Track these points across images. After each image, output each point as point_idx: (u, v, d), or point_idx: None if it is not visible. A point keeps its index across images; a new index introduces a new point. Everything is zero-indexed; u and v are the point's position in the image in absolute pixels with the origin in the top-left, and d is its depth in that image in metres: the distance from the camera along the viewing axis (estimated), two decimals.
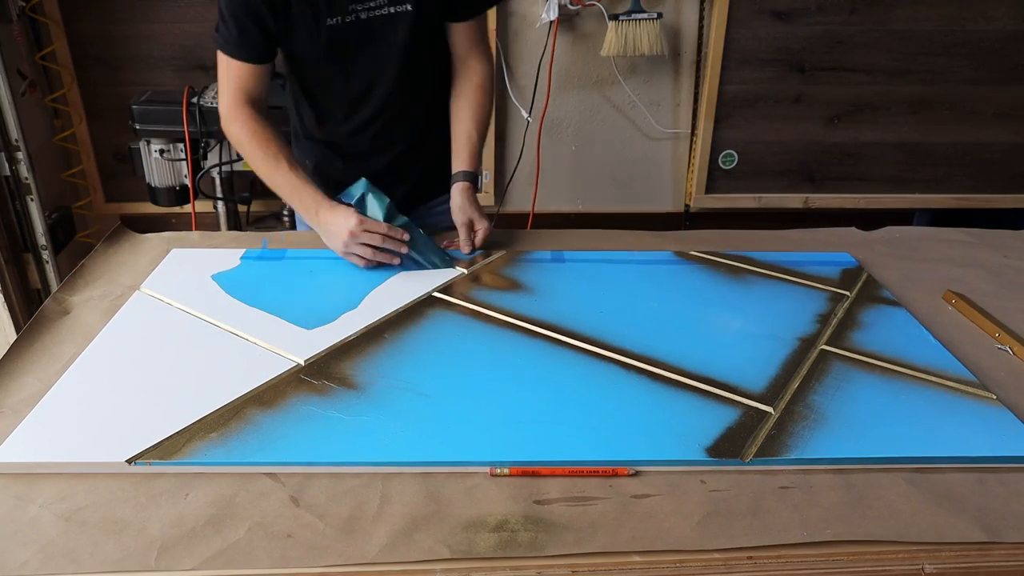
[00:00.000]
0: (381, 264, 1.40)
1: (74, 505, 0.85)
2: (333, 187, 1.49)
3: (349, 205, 1.41)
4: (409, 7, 1.42)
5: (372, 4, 1.41)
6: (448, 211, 1.55)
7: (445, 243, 1.51)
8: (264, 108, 1.51)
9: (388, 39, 1.46)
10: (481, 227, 1.50)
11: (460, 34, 1.53)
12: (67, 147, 2.67)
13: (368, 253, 1.38)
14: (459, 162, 1.54)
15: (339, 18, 1.41)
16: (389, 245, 1.39)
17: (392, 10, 1.42)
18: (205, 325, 1.20)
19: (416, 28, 1.45)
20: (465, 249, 1.49)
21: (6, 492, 0.87)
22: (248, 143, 1.47)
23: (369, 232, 1.37)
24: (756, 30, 2.72)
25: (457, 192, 1.51)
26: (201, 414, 0.98)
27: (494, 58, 2.67)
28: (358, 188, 1.43)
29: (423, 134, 1.62)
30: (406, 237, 1.40)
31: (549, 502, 0.87)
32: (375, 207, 1.41)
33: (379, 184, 1.45)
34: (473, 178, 1.52)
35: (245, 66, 1.45)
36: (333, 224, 1.39)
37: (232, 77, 1.47)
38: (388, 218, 1.41)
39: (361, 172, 1.48)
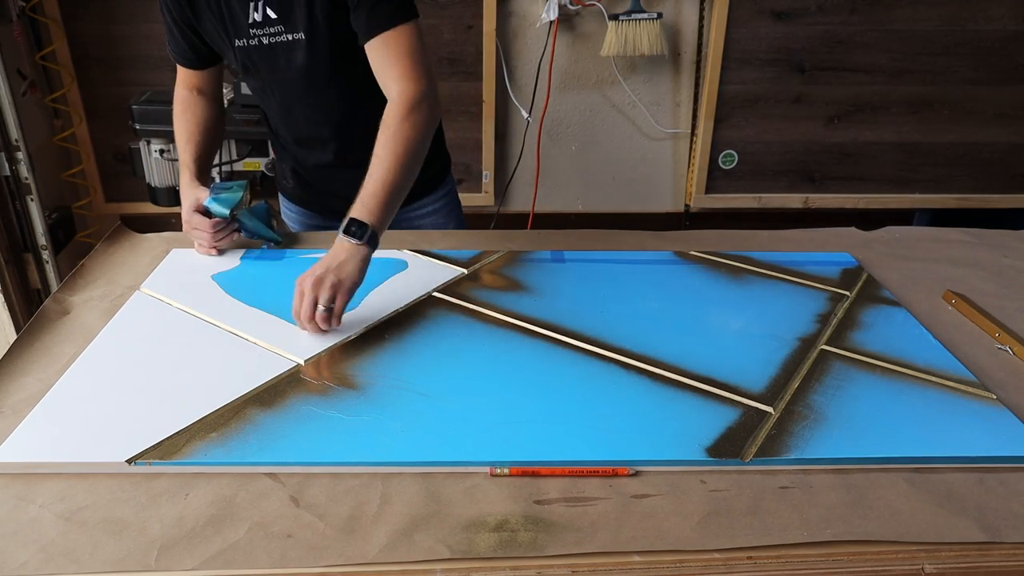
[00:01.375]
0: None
1: (74, 505, 0.85)
2: (305, 189, 1.67)
3: (189, 196, 1.46)
4: (302, 35, 1.39)
5: (271, 31, 1.41)
6: (431, 214, 1.69)
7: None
8: (213, 94, 1.63)
9: (291, 64, 1.44)
10: (306, 304, 1.16)
11: (371, 58, 1.37)
12: (67, 147, 2.67)
13: (197, 243, 1.46)
14: (353, 207, 1.26)
15: (244, 41, 1.44)
16: (210, 242, 1.44)
17: (288, 37, 1.41)
18: (205, 325, 1.20)
19: (313, 54, 1.41)
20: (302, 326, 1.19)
21: (6, 492, 0.87)
22: (175, 118, 1.62)
23: (197, 230, 1.44)
24: (756, 30, 2.72)
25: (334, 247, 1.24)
26: (201, 414, 0.98)
27: (498, 56, 2.68)
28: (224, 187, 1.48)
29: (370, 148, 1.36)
30: (224, 244, 1.46)
31: (549, 502, 0.87)
32: (219, 205, 1.44)
33: (340, 189, 1.35)
34: (344, 226, 1.22)
35: (181, 67, 1.59)
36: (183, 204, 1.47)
37: (179, 71, 1.62)
38: (233, 209, 1.44)
39: (322, 179, 1.61)
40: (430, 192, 1.70)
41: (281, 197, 1.81)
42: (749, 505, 0.87)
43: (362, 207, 1.23)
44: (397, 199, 1.28)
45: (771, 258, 1.49)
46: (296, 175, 1.69)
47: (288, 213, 1.80)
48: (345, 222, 1.21)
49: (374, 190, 1.25)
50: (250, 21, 1.40)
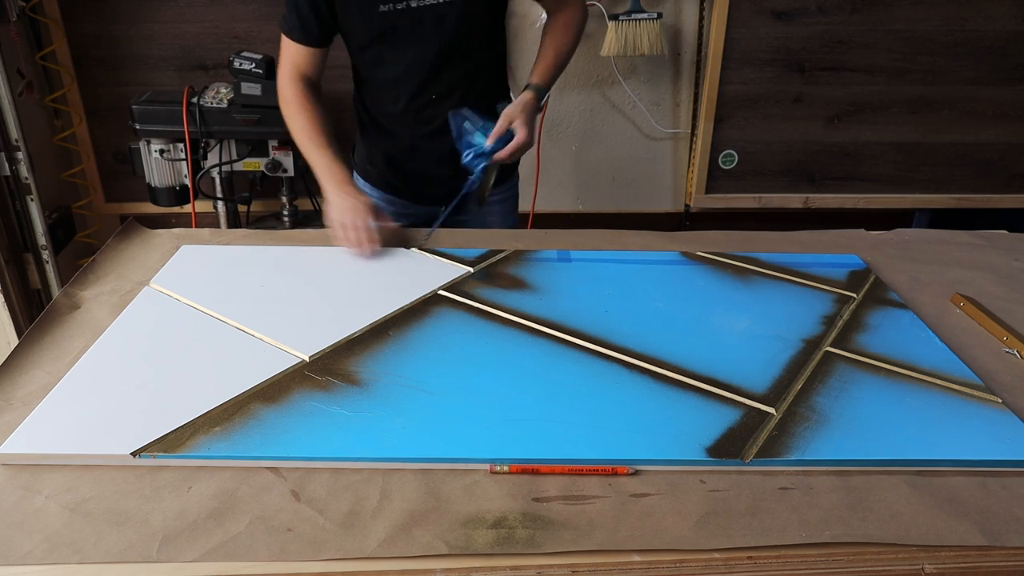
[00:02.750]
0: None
1: (79, 496, 0.86)
2: (398, 174, 1.72)
3: (359, 196, 1.47)
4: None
5: None
6: (502, 202, 1.78)
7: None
8: (317, 87, 1.63)
9: (437, 28, 1.51)
10: (519, 135, 1.49)
11: None
12: (67, 147, 2.68)
13: (352, 243, 1.45)
14: (531, 76, 1.61)
15: (392, 5, 1.48)
16: (364, 250, 1.45)
17: (441, 0, 1.49)
18: (212, 321, 1.21)
19: (464, 19, 1.51)
20: (488, 143, 1.49)
21: (13, 483, 0.88)
22: (291, 114, 1.59)
23: (352, 234, 1.44)
24: (756, 30, 2.72)
25: (518, 99, 1.54)
26: (206, 408, 0.99)
27: None
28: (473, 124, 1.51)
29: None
30: (375, 248, 1.46)
31: (548, 500, 0.87)
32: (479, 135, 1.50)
33: (437, 171, 1.58)
34: (538, 91, 1.57)
35: (299, 47, 1.58)
36: (333, 209, 1.47)
37: (288, 56, 1.59)
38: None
39: (423, 159, 1.64)
40: (506, 180, 1.81)
41: (361, 183, 1.83)
42: (748, 505, 0.87)
43: (541, 77, 1.60)
44: (556, 79, 1.65)
45: (778, 259, 1.49)
46: (388, 158, 1.73)
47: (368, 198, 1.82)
48: (544, 97, 1.56)
49: (550, 66, 1.61)
50: None
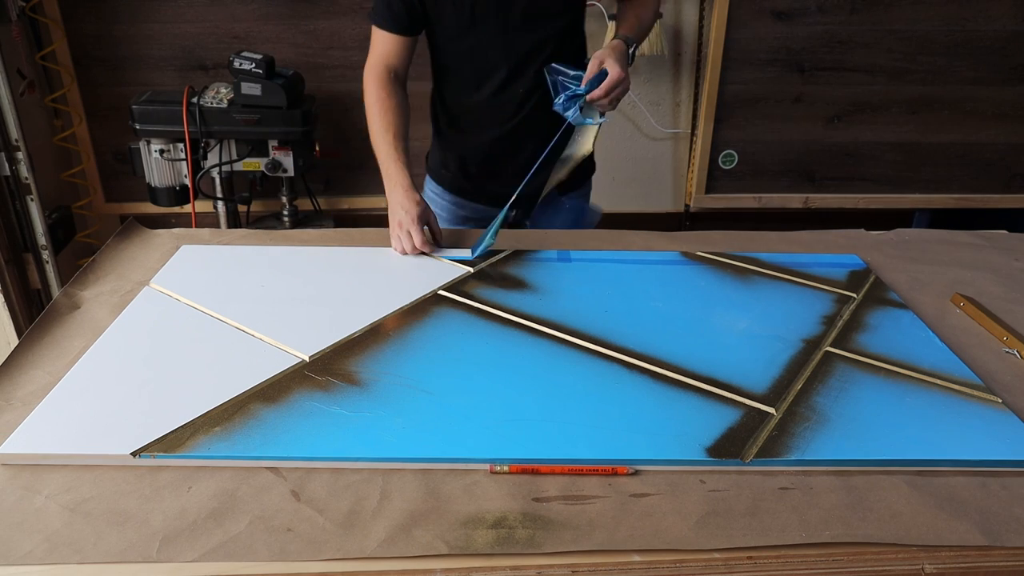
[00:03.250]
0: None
1: (79, 496, 0.86)
2: (471, 177, 1.75)
3: (414, 202, 1.50)
4: None
5: None
6: (580, 197, 1.86)
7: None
8: (402, 81, 1.67)
9: (526, 14, 1.54)
10: (612, 71, 1.44)
11: None
12: (67, 147, 2.68)
13: (405, 246, 1.48)
14: (621, 30, 1.62)
15: None
16: (411, 251, 1.48)
17: None
18: (212, 320, 1.21)
19: (554, 4, 1.55)
20: (582, 85, 1.47)
21: (14, 483, 0.88)
22: (371, 106, 1.62)
23: (414, 231, 1.47)
24: (756, 30, 2.72)
25: (614, 48, 1.51)
26: (206, 408, 0.99)
27: None
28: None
29: (540, 113, 1.62)
30: (423, 250, 1.48)
31: (548, 500, 0.87)
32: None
33: (511, 170, 1.60)
34: (626, 40, 1.56)
35: (388, 36, 1.59)
36: (393, 210, 1.52)
37: (377, 48, 1.62)
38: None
39: (499, 159, 1.68)
40: (576, 188, 1.85)
41: (433, 187, 1.85)
42: (748, 505, 0.87)
43: (629, 31, 1.60)
44: (641, 40, 1.66)
45: (778, 259, 1.49)
46: (463, 160, 1.75)
47: (439, 201, 1.84)
48: (634, 47, 1.57)
49: (636, 26, 1.63)
50: None
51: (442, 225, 1.78)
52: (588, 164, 1.86)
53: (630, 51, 1.55)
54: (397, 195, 1.52)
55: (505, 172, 1.69)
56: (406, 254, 1.48)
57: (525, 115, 1.65)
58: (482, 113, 1.67)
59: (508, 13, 1.53)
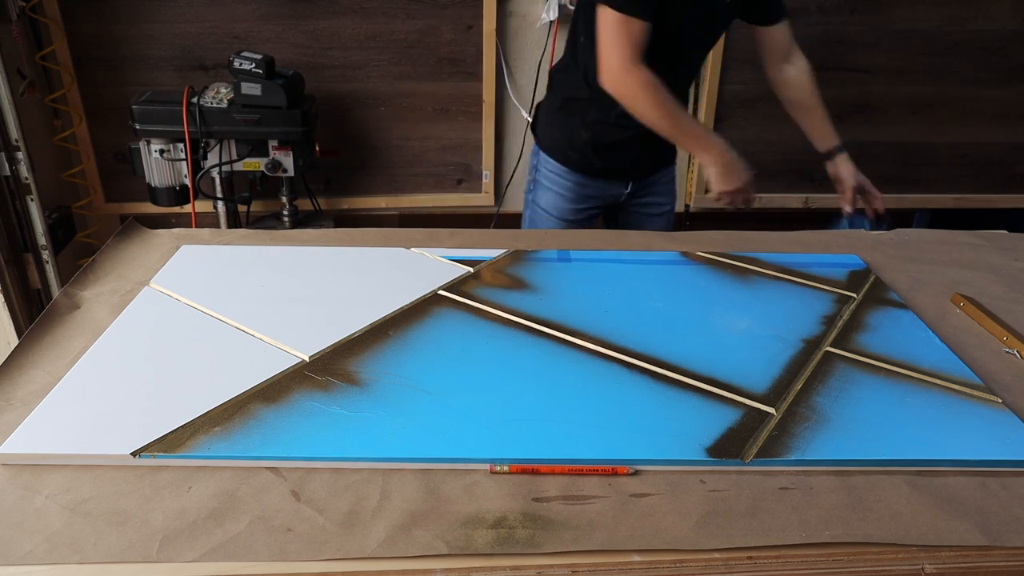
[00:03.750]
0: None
1: (79, 496, 0.86)
2: (600, 154, 1.85)
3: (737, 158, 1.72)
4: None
5: None
6: (668, 185, 2.00)
7: (845, 213, 1.78)
8: None
9: (712, 23, 1.73)
10: (877, 195, 1.82)
11: (779, 33, 1.85)
12: (67, 147, 2.68)
13: (737, 203, 1.75)
14: (833, 138, 1.88)
15: None
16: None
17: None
18: (212, 320, 1.21)
19: (727, 17, 1.74)
20: (848, 209, 1.84)
21: (13, 483, 0.88)
22: (649, 99, 1.63)
23: (743, 194, 1.73)
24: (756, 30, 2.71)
25: (844, 161, 1.87)
26: (206, 408, 0.99)
27: (498, 56, 2.69)
28: None
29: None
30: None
31: (548, 500, 0.87)
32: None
33: (639, 145, 1.79)
34: (843, 148, 1.88)
35: (637, 23, 1.57)
36: (728, 172, 1.73)
37: (624, 35, 1.57)
38: None
39: (641, 140, 1.76)
40: (671, 163, 2.01)
41: (555, 167, 1.91)
42: (748, 506, 0.87)
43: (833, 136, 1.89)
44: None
45: (778, 259, 1.49)
46: (592, 142, 1.84)
47: (561, 181, 1.92)
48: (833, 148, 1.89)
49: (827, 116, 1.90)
50: None
51: (564, 204, 1.95)
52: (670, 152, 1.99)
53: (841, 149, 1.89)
54: (726, 157, 1.72)
55: (634, 147, 1.83)
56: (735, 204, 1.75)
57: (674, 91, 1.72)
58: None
59: (713, 11, 1.69)
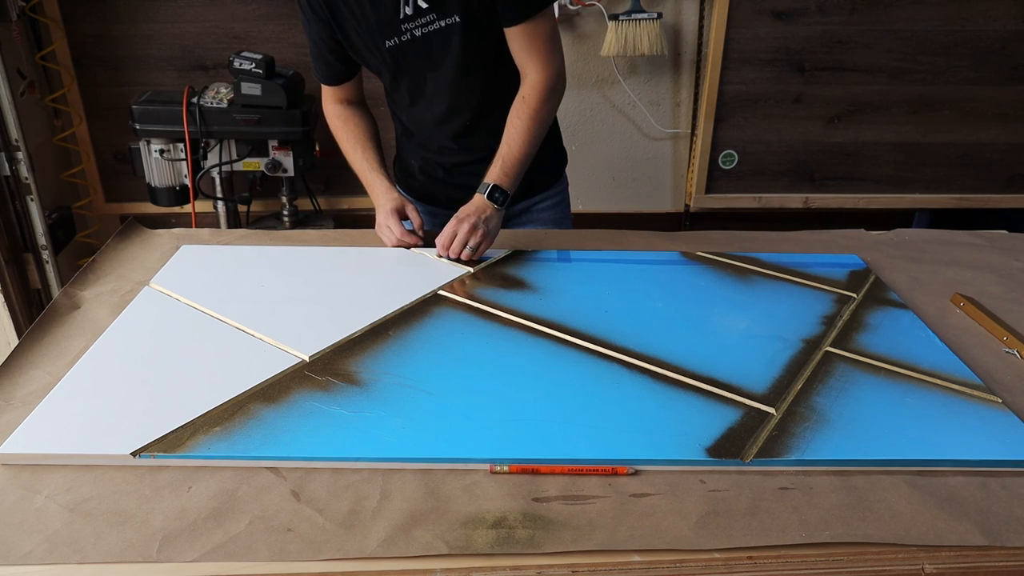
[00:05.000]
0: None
1: (79, 496, 0.86)
2: (440, 182, 1.72)
3: (391, 199, 1.55)
4: (457, 18, 1.44)
5: (423, 21, 1.46)
6: (550, 208, 1.77)
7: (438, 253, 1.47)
8: (361, 101, 1.71)
9: (446, 52, 1.49)
10: (459, 239, 1.43)
11: (512, 40, 1.49)
12: (67, 147, 2.68)
13: (387, 242, 1.53)
14: (488, 173, 1.51)
15: (396, 39, 1.48)
16: (405, 242, 1.52)
17: (442, 24, 1.45)
18: (212, 320, 1.21)
19: (468, 37, 1.46)
20: (439, 253, 1.46)
21: (14, 483, 0.88)
22: (336, 134, 1.67)
23: (386, 230, 1.52)
24: (756, 30, 2.72)
25: (471, 201, 1.49)
26: (206, 408, 0.99)
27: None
28: None
29: (497, 126, 1.58)
30: (414, 241, 1.52)
31: (548, 500, 0.87)
32: None
33: (472, 185, 1.52)
34: (488, 190, 1.47)
35: (335, 87, 1.66)
36: (376, 209, 1.57)
37: (328, 92, 1.68)
38: None
39: (456, 175, 1.67)
40: (551, 185, 1.79)
41: (406, 196, 1.81)
42: (748, 506, 0.87)
43: (503, 176, 1.49)
44: (524, 171, 1.52)
45: (778, 259, 1.49)
46: (424, 171, 1.75)
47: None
48: (488, 188, 1.47)
49: (512, 162, 1.49)
50: (401, 16, 1.45)
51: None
52: (556, 158, 1.80)
53: (498, 203, 1.48)
54: (376, 195, 1.59)
55: (464, 182, 1.63)
56: (398, 247, 1.51)
57: (485, 144, 1.59)
58: (435, 131, 1.65)
59: (426, 54, 1.49)
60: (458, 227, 1.43)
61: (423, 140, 1.68)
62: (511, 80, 1.54)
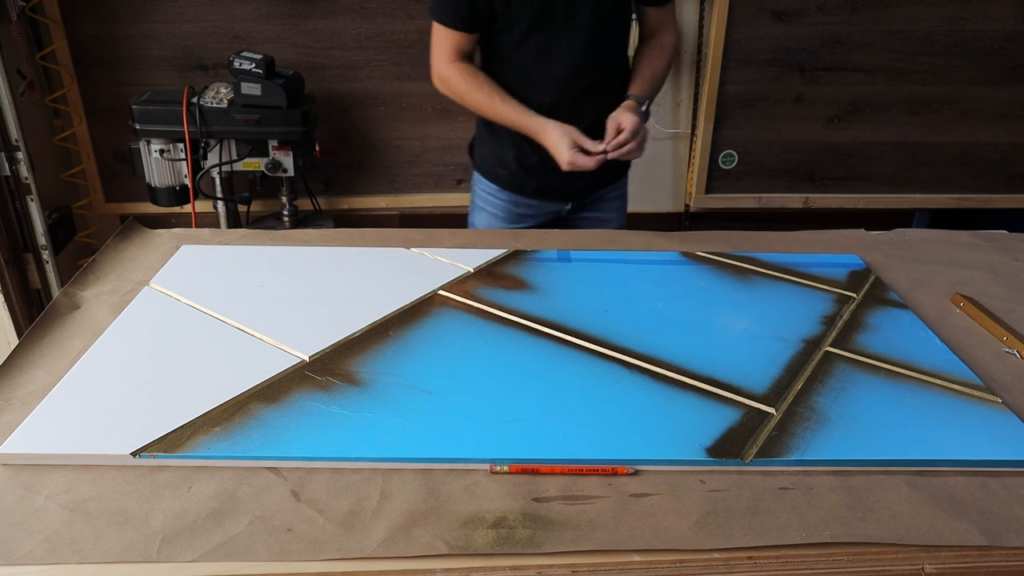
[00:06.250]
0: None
1: (79, 496, 0.86)
2: (531, 173, 1.76)
3: (566, 126, 1.57)
4: None
5: None
6: (615, 200, 1.88)
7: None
8: (475, 63, 1.69)
9: (585, 7, 1.58)
10: (628, 123, 1.54)
11: (652, 16, 1.72)
12: (67, 147, 2.68)
13: (583, 164, 1.55)
14: (632, 88, 1.68)
15: None
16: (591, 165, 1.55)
17: None
18: (212, 320, 1.21)
19: (610, 3, 1.60)
20: (598, 147, 1.55)
21: (13, 483, 0.88)
22: (466, 91, 1.64)
23: (584, 157, 1.54)
24: (756, 30, 2.72)
25: (622, 105, 1.61)
26: (206, 408, 0.99)
27: None
28: None
29: (605, 113, 1.67)
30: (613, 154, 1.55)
31: (548, 500, 0.87)
32: None
33: (562, 177, 1.62)
34: (639, 99, 1.63)
35: (450, 33, 1.61)
36: (554, 146, 1.57)
37: (441, 40, 1.63)
38: None
39: (550, 161, 1.62)
40: (621, 176, 1.90)
41: (486, 186, 1.86)
42: (748, 506, 0.87)
43: (643, 92, 1.66)
44: (654, 96, 1.72)
45: (778, 259, 1.49)
46: (518, 159, 1.76)
47: (494, 201, 1.86)
48: (646, 104, 1.64)
49: (654, 85, 1.70)
50: None
51: (499, 224, 1.87)
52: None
53: (643, 108, 1.63)
54: (548, 129, 1.57)
55: (556, 167, 1.67)
56: (586, 170, 1.55)
57: (585, 108, 1.67)
58: (550, 112, 1.64)
59: (573, 5, 1.57)
60: (633, 131, 1.54)
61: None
62: (623, 60, 1.73)
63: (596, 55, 1.66)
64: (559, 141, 1.55)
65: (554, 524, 0.83)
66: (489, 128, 1.78)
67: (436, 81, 1.68)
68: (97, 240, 2.79)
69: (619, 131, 1.55)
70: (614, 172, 1.84)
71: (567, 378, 1.08)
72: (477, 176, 1.89)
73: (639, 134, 1.55)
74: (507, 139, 1.75)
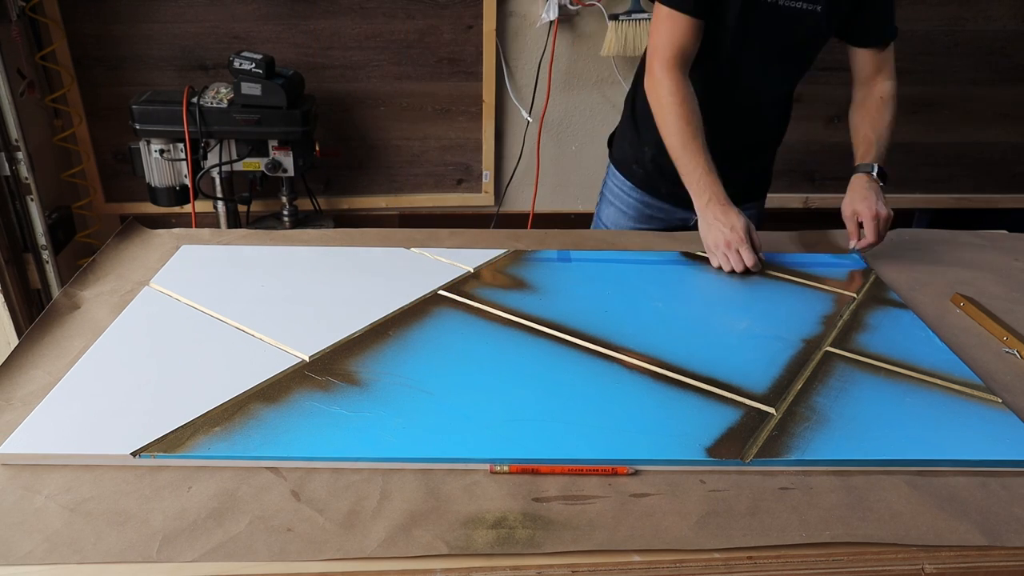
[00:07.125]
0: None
1: (79, 496, 0.86)
2: (666, 176, 1.62)
3: (736, 215, 1.43)
4: (818, 7, 1.50)
5: None
6: (754, 217, 1.77)
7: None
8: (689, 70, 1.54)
9: (791, 35, 1.53)
10: (866, 217, 1.46)
11: (866, 58, 1.67)
12: (67, 147, 2.68)
13: (735, 266, 1.41)
14: (856, 157, 1.61)
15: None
16: (753, 265, 1.41)
17: (803, 6, 1.49)
18: (212, 320, 1.21)
19: (818, 30, 1.53)
20: (851, 244, 1.49)
21: (13, 483, 0.88)
22: (667, 101, 1.49)
23: (744, 250, 1.41)
24: None
25: (851, 184, 1.55)
26: (206, 408, 0.99)
27: (498, 56, 2.68)
28: None
29: (773, 133, 1.69)
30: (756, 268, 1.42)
31: (548, 500, 0.87)
32: None
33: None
34: (868, 168, 1.57)
35: (684, 20, 1.47)
36: (716, 224, 1.44)
37: (668, 31, 1.48)
38: None
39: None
40: (759, 197, 1.86)
41: (620, 181, 1.82)
42: (748, 506, 0.87)
43: (879, 158, 1.60)
44: (884, 155, 1.63)
45: (778, 259, 1.49)
46: (655, 161, 1.70)
47: (624, 197, 1.82)
48: (875, 170, 1.57)
49: (886, 147, 1.64)
50: None
51: (626, 222, 1.82)
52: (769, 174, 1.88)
53: (873, 175, 1.56)
54: (714, 209, 1.45)
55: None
56: (733, 272, 1.42)
57: (746, 127, 1.65)
58: (710, 117, 1.53)
59: (774, 23, 1.51)
60: (873, 220, 1.46)
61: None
62: (792, 99, 1.68)
63: (783, 85, 1.64)
64: (733, 237, 1.41)
65: (554, 524, 0.83)
66: (633, 123, 1.74)
67: (648, 81, 1.54)
68: (97, 240, 2.79)
69: (859, 224, 1.48)
70: (756, 190, 1.82)
71: (567, 378, 1.08)
72: (612, 170, 1.85)
73: (881, 223, 1.46)
74: (649, 138, 1.67)
